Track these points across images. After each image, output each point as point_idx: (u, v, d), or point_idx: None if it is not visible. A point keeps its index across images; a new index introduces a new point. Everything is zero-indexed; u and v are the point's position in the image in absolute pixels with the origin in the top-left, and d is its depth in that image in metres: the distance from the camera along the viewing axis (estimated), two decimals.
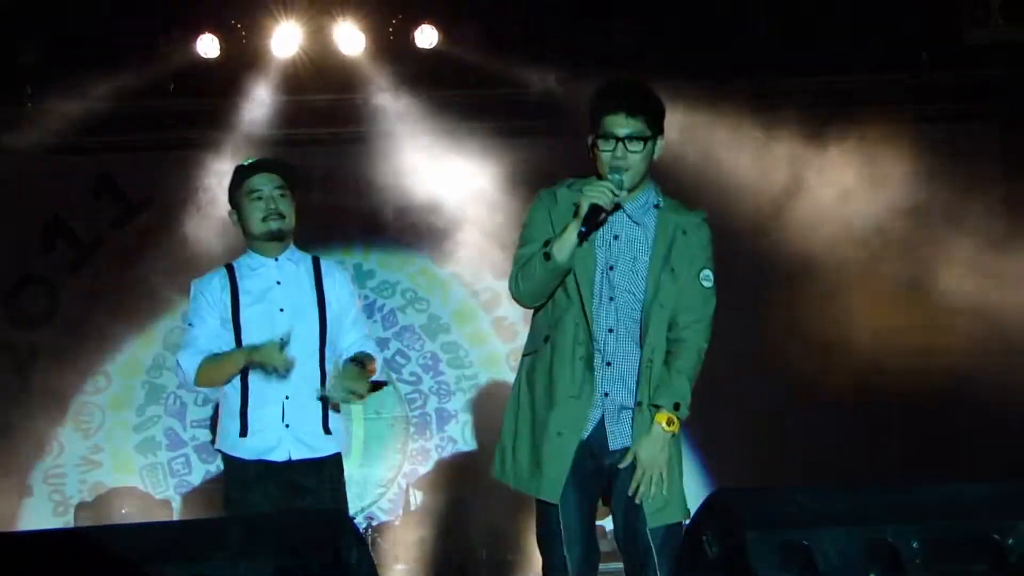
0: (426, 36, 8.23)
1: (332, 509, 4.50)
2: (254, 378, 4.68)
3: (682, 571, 3.54)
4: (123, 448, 8.58)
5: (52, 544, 3.13)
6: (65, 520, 8.28)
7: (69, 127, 8.35)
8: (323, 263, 4.94)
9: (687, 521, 4.09)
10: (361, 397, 4.73)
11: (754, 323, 7.89)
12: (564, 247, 4.11)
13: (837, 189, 7.98)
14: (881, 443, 8.00)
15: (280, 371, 4.59)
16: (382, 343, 8.70)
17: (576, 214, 4.12)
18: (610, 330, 4.20)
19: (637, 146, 4.18)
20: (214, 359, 4.66)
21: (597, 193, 4.10)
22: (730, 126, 8.16)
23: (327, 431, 4.75)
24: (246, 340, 4.68)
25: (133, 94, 8.25)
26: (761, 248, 8.04)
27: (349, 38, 8.17)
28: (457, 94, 8.61)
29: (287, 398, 4.68)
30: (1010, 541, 3.15)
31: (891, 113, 8.35)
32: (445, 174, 8.59)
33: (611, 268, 4.21)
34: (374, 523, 7.46)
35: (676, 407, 4.14)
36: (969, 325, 7.71)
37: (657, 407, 4.15)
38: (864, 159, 7.99)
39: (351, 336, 4.89)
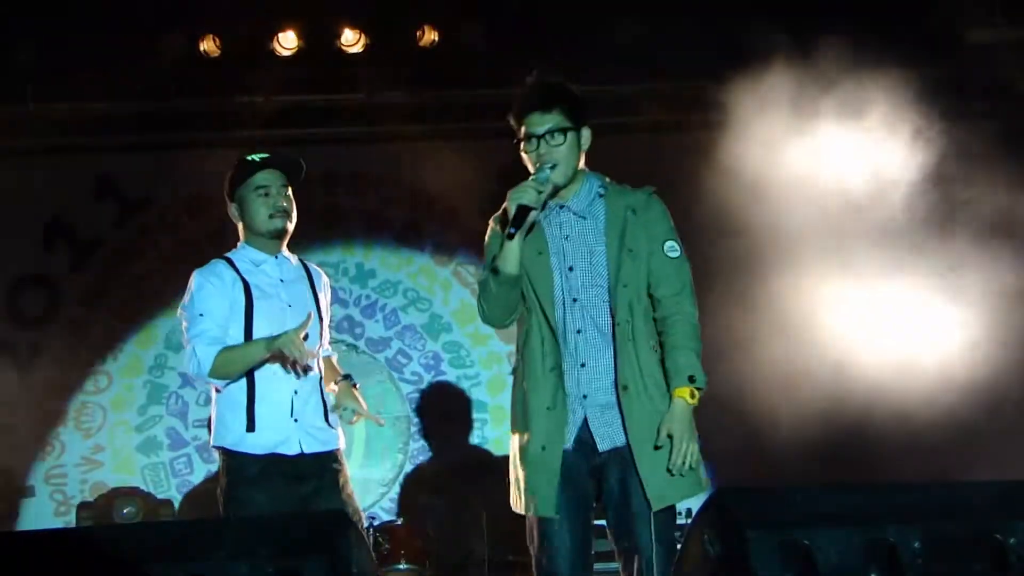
0: (427, 36, 8.24)
1: (334, 510, 4.49)
2: (260, 373, 4.65)
3: (683, 571, 3.53)
4: (124, 448, 8.58)
5: (54, 544, 3.13)
6: (66, 520, 8.28)
7: (69, 127, 8.36)
8: (311, 268, 4.98)
9: (708, 492, 4.09)
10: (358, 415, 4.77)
11: (750, 319, 7.90)
12: (507, 257, 4.14)
13: (836, 188, 7.97)
14: (882, 444, 7.99)
15: (300, 361, 4.56)
16: (384, 342, 8.73)
17: (505, 220, 4.14)
18: (578, 331, 4.18)
19: (559, 139, 4.20)
20: (231, 351, 4.60)
21: (520, 192, 4.09)
22: (730, 124, 8.16)
23: (329, 424, 4.76)
24: (256, 334, 4.66)
25: (133, 94, 8.26)
26: (758, 244, 8.02)
27: (349, 37, 8.18)
28: (458, 94, 8.62)
29: (296, 392, 4.67)
30: (1011, 541, 3.15)
31: (892, 112, 8.34)
32: (446, 174, 8.60)
33: (571, 269, 4.21)
34: (375, 523, 7.45)
35: (691, 379, 4.10)
36: (971, 326, 7.71)
37: (674, 388, 4.12)
38: (864, 158, 7.98)
39: (326, 344, 4.95)
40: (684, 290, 4.21)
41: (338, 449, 4.77)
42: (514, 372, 4.32)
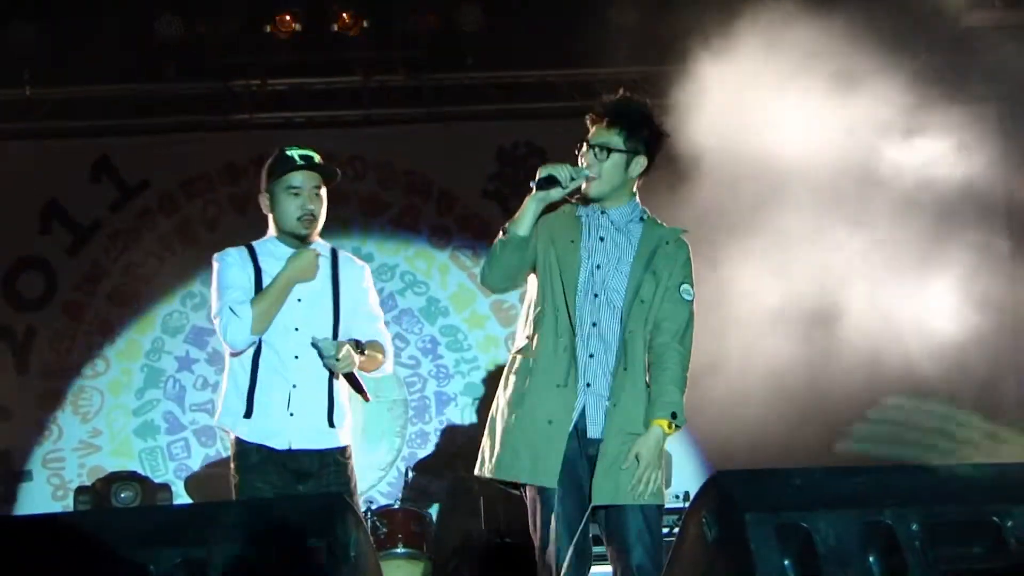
0: (426, 19, 8.24)
1: (333, 492, 4.50)
2: (264, 362, 4.65)
3: (681, 553, 3.54)
4: (122, 432, 8.58)
5: (51, 529, 3.13)
6: (64, 504, 8.28)
7: (66, 111, 8.34)
8: (341, 256, 4.93)
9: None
10: (345, 364, 4.66)
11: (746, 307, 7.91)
12: (520, 220, 4.34)
13: (833, 174, 7.96)
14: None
15: (309, 270, 4.69)
16: None
17: (533, 178, 4.34)
18: (594, 324, 4.35)
19: (604, 155, 4.39)
20: (260, 296, 4.63)
21: (557, 167, 4.32)
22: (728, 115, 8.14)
23: (331, 424, 4.71)
24: None
25: (131, 77, 8.25)
26: (759, 234, 8.02)
27: (347, 20, 8.17)
28: (456, 77, 8.61)
29: (294, 387, 4.65)
30: (1008, 523, 3.16)
31: (888, 96, 8.32)
32: (443, 157, 8.60)
33: (598, 267, 4.39)
34: (373, 506, 7.45)
35: (673, 416, 4.28)
36: (972, 316, 7.72)
37: (654, 417, 4.29)
38: (861, 143, 7.96)
39: (365, 328, 4.86)
40: (687, 330, 4.40)
41: (340, 449, 4.72)
42: (520, 349, 4.43)
